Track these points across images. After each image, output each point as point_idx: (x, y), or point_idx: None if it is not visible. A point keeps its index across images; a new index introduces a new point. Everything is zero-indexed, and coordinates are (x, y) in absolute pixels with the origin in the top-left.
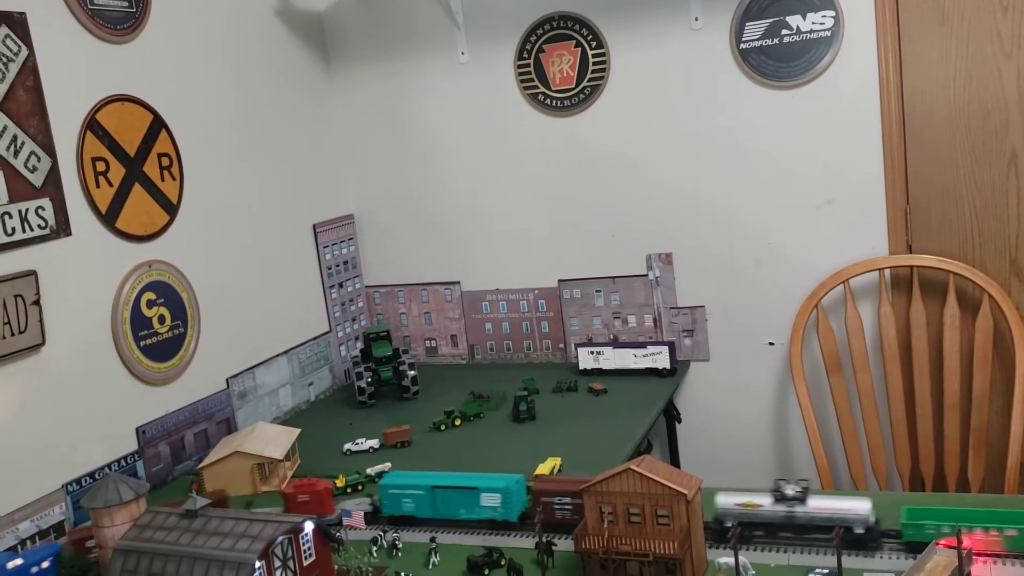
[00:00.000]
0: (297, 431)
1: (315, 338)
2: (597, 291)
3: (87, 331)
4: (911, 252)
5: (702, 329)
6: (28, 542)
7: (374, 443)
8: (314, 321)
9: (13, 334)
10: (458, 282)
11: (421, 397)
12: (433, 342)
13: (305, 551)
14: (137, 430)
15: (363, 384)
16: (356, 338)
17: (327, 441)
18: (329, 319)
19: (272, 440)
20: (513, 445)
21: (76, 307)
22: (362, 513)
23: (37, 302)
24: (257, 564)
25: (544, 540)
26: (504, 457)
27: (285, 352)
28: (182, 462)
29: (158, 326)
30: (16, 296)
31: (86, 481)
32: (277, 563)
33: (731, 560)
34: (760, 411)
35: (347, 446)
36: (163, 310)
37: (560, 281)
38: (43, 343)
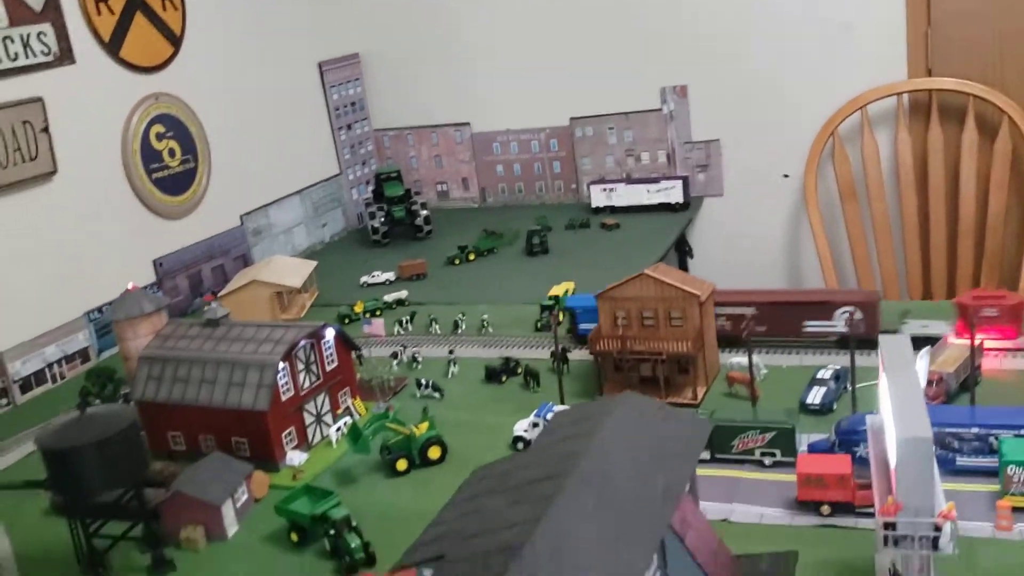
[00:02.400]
0: (314, 263)
1: (326, 180)
2: (610, 128)
3: (98, 162)
4: (931, 76)
5: (716, 164)
6: (55, 365)
7: (390, 276)
8: (324, 163)
9: (24, 160)
10: (468, 123)
11: (434, 237)
12: (444, 186)
13: (328, 356)
14: (154, 262)
15: (376, 224)
16: (367, 182)
17: (343, 275)
18: (339, 161)
19: (290, 270)
20: (527, 276)
21: (85, 137)
22: (382, 321)
23: (46, 129)
24: (281, 365)
25: (559, 348)
26: (519, 287)
27: (298, 192)
28: (200, 295)
29: (169, 159)
30: (24, 122)
31: (106, 309)
32: (300, 366)
33: (743, 360)
34: (773, 244)
35: (363, 279)
36: (173, 143)
37: (572, 119)
38: (55, 171)
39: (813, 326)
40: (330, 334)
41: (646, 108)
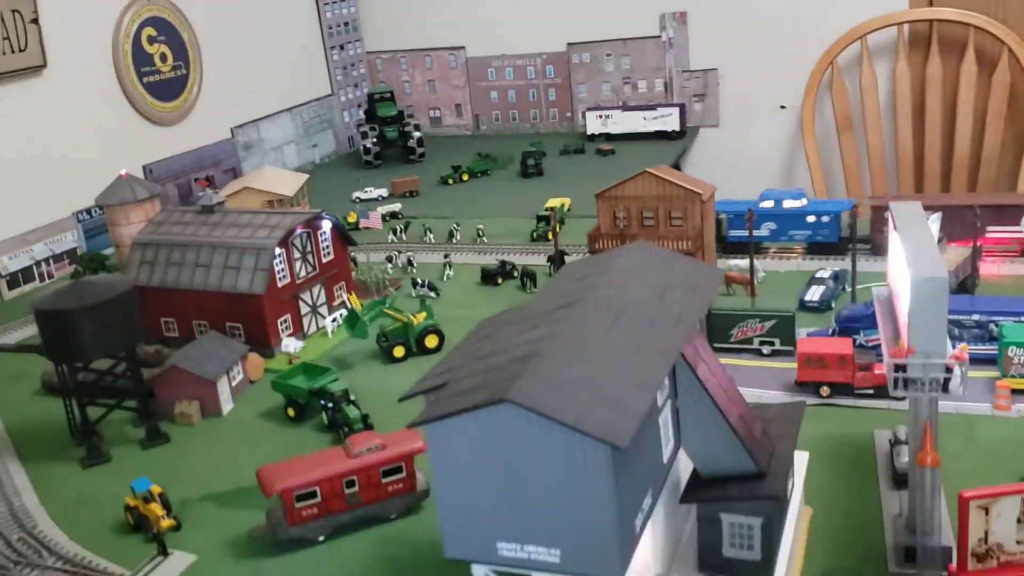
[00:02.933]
0: (305, 176)
1: (318, 100)
2: (607, 55)
3: (89, 59)
4: (932, 6)
5: (714, 93)
6: (43, 264)
7: (383, 192)
8: (316, 82)
9: (13, 51)
10: (463, 47)
11: (427, 161)
12: (437, 111)
13: (324, 248)
14: (144, 168)
15: (368, 144)
16: (359, 105)
17: (335, 192)
18: (331, 81)
19: (282, 181)
20: (522, 195)
21: (76, 33)
22: (379, 215)
23: (35, 20)
24: (277, 250)
25: (558, 250)
26: (513, 204)
27: (288, 110)
28: (190, 204)
29: (160, 64)
30: (14, 11)
31: (95, 212)
32: (297, 254)
33: (740, 262)
34: (767, 175)
35: (356, 194)
36: (164, 48)
37: (569, 45)
38: (44, 65)
39: (996, 231)
40: (327, 225)
41: (645, 35)
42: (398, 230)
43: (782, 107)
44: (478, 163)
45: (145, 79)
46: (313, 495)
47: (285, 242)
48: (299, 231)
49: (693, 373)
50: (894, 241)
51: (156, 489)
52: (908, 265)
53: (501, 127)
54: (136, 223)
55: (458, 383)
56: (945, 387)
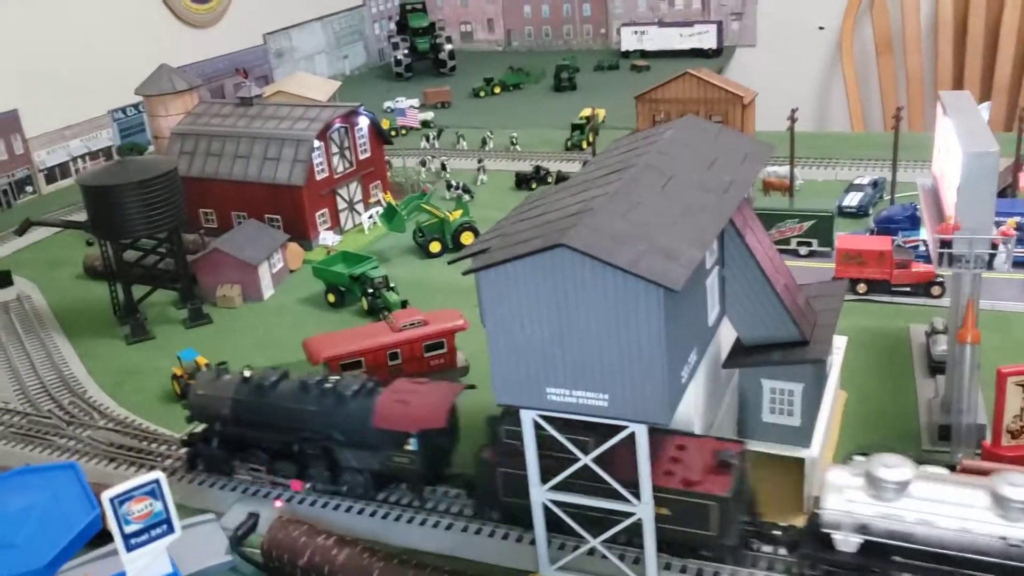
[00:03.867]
0: (338, 83)
1: (349, 10)
2: None
3: None
4: None
5: (751, 12)
6: (79, 160)
7: (414, 102)
8: None
9: None
10: None
11: (458, 75)
12: (469, 26)
13: (360, 145)
14: (177, 69)
15: (399, 56)
16: (390, 17)
17: (366, 101)
18: None
19: (314, 86)
20: (555, 108)
21: None
22: (416, 111)
23: None
24: (316, 143)
25: (595, 155)
26: (546, 116)
27: (320, 19)
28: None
29: None
30: None
31: (130, 111)
32: (334, 148)
33: (779, 169)
34: (803, 96)
35: (387, 104)
36: None
37: None
38: None
39: None
40: (364, 122)
41: None
42: (431, 137)
43: (820, 28)
44: (510, 76)
45: None
46: (358, 365)
47: (323, 135)
48: (337, 125)
49: (741, 240)
50: (943, 127)
51: (202, 360)
52: (959, 140)
53: (533, 43)
54: (175, 115)
55: (510, 238)
56: (990, 264)
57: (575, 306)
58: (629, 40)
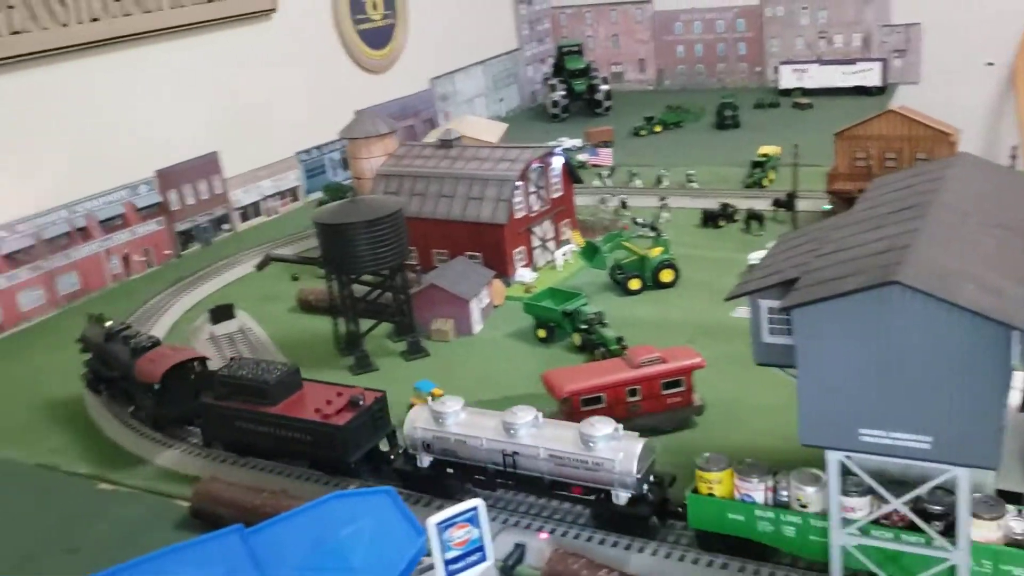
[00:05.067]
0: (505, 125)
1: (506, 53)
2: (803, 8)
3: (311, 4)
4: None
5: (915, 49)
6: (269, 199)
7: (576, 142)
8: (505, 36)
9: None
10: (650, 1)
11: (612, 115)
12: (620, 67)
13: (554, 184)
14: (356, 113)
15: (556, 97)
16: (542, 60)
17: (525, 141)
18: (518, 35)
19: (485, 128)
20: (720, 145)
21: None
22: (609, 151)
23: None
24: (518, 182)
25: (787, 194)
26: (712, 154)
27: (480, 63)
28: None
29: (372, 12)
30: None
31: (314, 152)
32: (532, 188)
33: None
34: (970, 133)
35: (550, 144)
36: None
37: None
38: (274, 9)
39: None
40: (558, 162)
41: None
42: (603, 175)
43: (989, 64)
44: (671, 115)
45: (359, 26)
46: (598, 400)
47: (523, 175)
48: (534, 166)
49: None
50: None
51: (438, 391)
52: None
53: (686, 82)
54: (376, 156)
55: (811, 275)
56: None
57: (901, 343)
58: (788, 78)
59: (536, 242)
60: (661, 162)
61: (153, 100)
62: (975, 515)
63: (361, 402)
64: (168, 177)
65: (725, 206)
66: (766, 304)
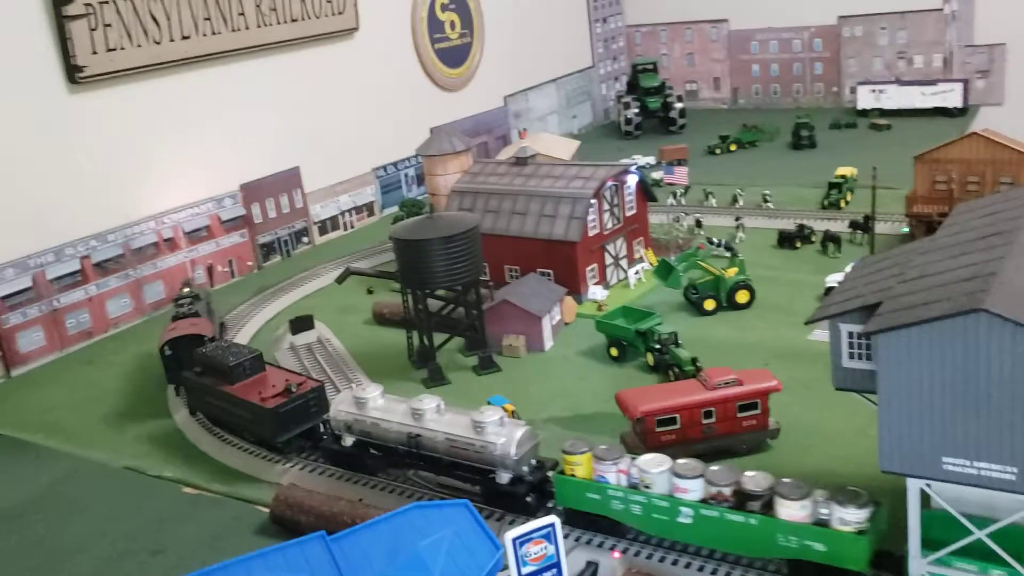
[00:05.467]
0: (578, 142)
1: (579, 71)
2: (882, 28)
3: (392, 25)
4: None
5: (999, 70)
6: (347, 214)
7: (650, 159)
8: (579, 54)
9: (333, 14)
10: (726, 20)
11: (686, 133)
12: (694, 85)
13: (628, 203)
14: (431, 130)
15: (630, 115)
16: (616, 78)
17: (597, 158)
18: (592, 54)
19: (557, 145)
20: (795, 165)
21: (383, 1)
22: (685, 170)
23: None
24: (592, 200)
25: (864, 216)
26: (787, 173)
27: (553, 80)
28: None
29: (450, 31)
30: None
31: (390, 168)
32: (606, 206)
33: None
34: None
35: (624, 161)
36: (454, 16)
37: (840, 18)
38: (357, 28)
39: None
40: (632, 180)
41: (925, 7)
42: (677, 194)
43: None
44: (745, 134)
45: (436, 45)
46: (673, 421)
47: (597, 193)
48: (609, 184)
49: None
50: None
51: (510, 407)
52: None
53: (760, 101)
54: (451, 173)
55: (894, 300)
56: None
57: (986, 373)
58: (866, 98)
59: (609, 260)
60: (736, 181)
61: (239, 116)
62: (782, 496)
63: (294, 389)
64: (252, 191)
65: (802, 227)
66: (846, 328)
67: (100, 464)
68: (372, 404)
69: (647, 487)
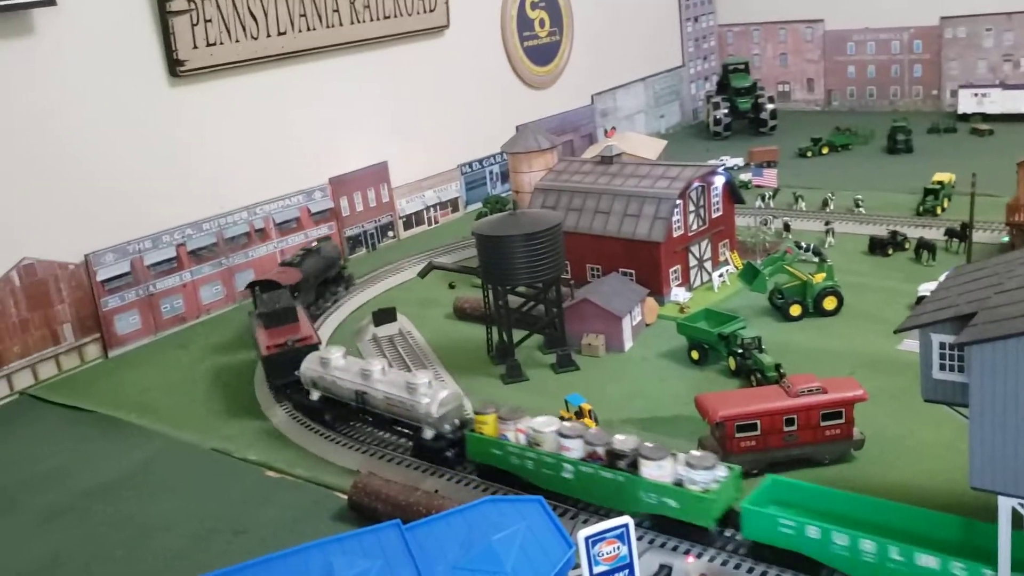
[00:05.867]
0: (664, 142)
1: (669, 71)
2: (987, 29)
3: (482, 22)
4: None
5: None
6: (431, 209)
7: (738, 161)
8: (668, 53)
9: (424, 11)
10: (821, 20)
11: (777, 135)
12: (786, 86)
13: (714, 204)
14: (517, 127)
15: (719, 115)
16: (705, 77)
17: (683, 159)
18: (682, 53)
19: (643, 145)
20: (890, 170)
21: None
22: (775, 172)
23: None
24: (677, 201)
25: (961, 224)
26: (881, 178)
27: (642, 79)
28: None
29: (539, 29)
30: None
31: (475, 165)
32: (691, 207)
33: None
34: None
35: (711, 162)
36: (543, 14)
37: (943, 19)
38: (447, 26)
39: None
40: (720, 181)
41: None
42: (766, 196)
43: None
44: (839, 137)
45: (525, 43)
46: (754, 427)
47: (683, 194)
48: (695, 184)
49: None
50: None
51: (587, 406)
52: None
53: (855, 103)
54: (536, 171)
55: (991, 311)
56: None
57: None
58: (968, 102)
59: (693, 262)
60: (827, 185)
61: (330, 110)
62: (644, 456)
63: (290, 343)
64: (340, 184)
65: (895, 233)
66: (938, 339)
67: (189, 444)
68: (334, 364)
69: (537, 445)
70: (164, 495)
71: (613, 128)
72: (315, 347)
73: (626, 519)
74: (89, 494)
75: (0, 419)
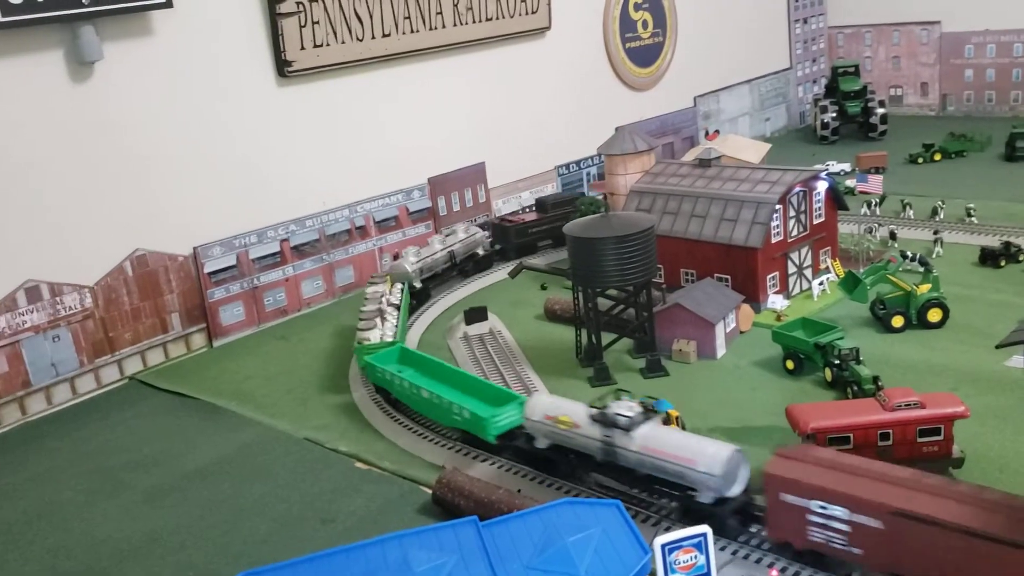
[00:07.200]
0: (768, 145)
1: (775, 73)
2: None
3: (584, 23)
4: None
5: None
6: (526, 210)
7: (845, 167)
8: (776, 55)
9: (526, 13)
10: (938, 22)
11: (887, 140)
12: (899, 90)
13: (816, 210)
14: (616, 129)
15: (827, 119)
16: (814, 80)
17: (787, 163)
18: (790, 55)
19: (746, 148)
20: (1008, 179)
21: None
22: (880, 178)
23: None
24: (777, 206)
25: None
26: (998, 187)
27: (747, 81)
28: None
29: (641, 31)
30: None
31: (572, 167)
32: (791, 212)
33: None
34: None
35: (816, 167)
36: (647, 15)
37: None
38: (549, 27)
39: None
40: (822, 187)
41: None
42: (872, 203)
43: None
44: (953, 143)
45: (627, 45)
46: (846, 440)
47: (783, 199)
48: (796, 189)
49: None
50: None
51: (674, 412)
52: None
53: (972, 108)
54: (632, 173)
55: None
56: None
57: None
58: None
59: (792, 269)
60: (938, 193)
61: (431, 111)
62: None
63: None
64: (438, 184)
65: (1008, 245)
66: None
67: (284, 433)
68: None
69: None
70: (257, 481)
71: (716, 131)
72: None
73: (705, 528)
74: (188, 477)
75: (111, 403)
